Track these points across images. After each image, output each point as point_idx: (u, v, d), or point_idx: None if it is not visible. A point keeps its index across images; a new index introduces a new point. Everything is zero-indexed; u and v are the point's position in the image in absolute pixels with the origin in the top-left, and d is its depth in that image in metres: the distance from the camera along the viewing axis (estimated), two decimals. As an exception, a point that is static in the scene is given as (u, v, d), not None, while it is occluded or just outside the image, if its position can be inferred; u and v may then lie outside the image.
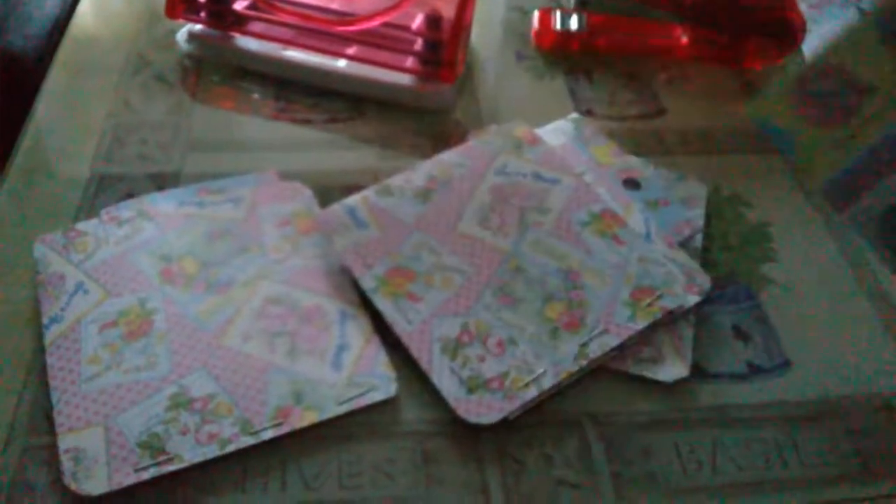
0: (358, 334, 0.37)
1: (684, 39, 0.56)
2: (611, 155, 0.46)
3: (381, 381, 0.36)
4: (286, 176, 0.44)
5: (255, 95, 0.51)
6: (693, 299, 0.38)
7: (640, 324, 0.37)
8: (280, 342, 0.36)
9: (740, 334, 0.40)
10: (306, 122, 0.50)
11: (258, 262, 0.40)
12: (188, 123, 0.49)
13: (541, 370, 0.35)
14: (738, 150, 0.50)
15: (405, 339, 0.36)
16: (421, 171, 0.43)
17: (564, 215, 0.41)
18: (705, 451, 0.35)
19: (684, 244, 0.42)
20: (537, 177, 0.43)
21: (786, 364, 0.39)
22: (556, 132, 0.47)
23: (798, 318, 0.40)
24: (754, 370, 0.38)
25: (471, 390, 0.35)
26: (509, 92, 0.53)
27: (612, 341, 0.36)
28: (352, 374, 0.36)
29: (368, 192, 0.42)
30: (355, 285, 0.39)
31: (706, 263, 0.42)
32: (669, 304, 0.37)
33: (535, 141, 0.45)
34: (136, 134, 0.48)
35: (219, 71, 0.53)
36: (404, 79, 0.50)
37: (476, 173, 0.43)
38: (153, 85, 0.51)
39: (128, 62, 0.53)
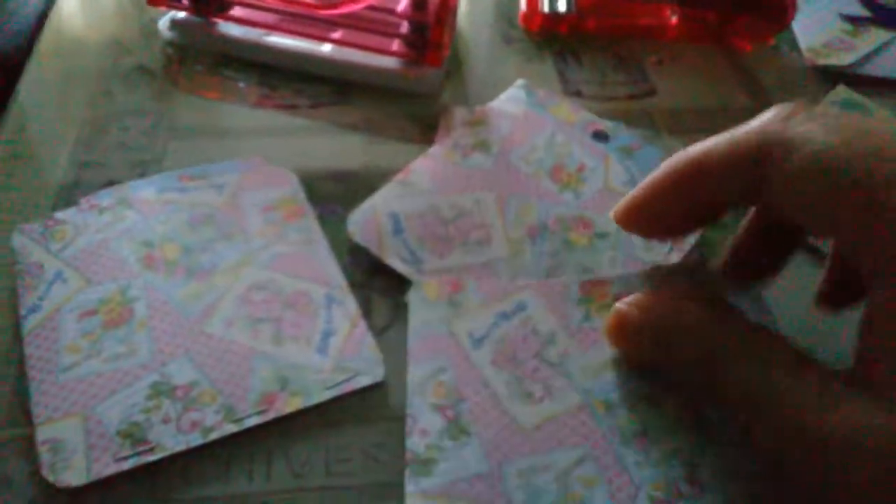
0: (344, 319, 0.36)
1: (674, 19, 0.55)
2: (571, 112, 0.46)
3: (369, 366, 0.35)
4: (271, 162, 0.43)
5: (239, 83, 0.50)
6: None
7: None
8: (264, 328, 0.36)
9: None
10: (291, 107, 0.49)
11: (242, 248, 0.39)
12: (170, 111, 0.48)
13: None
14: (731, 127, 0.49)
15: None
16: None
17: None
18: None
19: None
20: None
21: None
22: (511, 102, 0.47)
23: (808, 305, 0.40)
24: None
25: None
26: (497, 74, 0.52)
27: None
28: (338, 358, 0.35)
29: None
30: (343, 270, 0.38)
31: (701, 244, 0.41)
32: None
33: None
34: (117, 122, 0.47)
35: (202, 58, 0.52)
36: (390, 62, 0.50)
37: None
38: (135, 74, 0.50)
39: (109, 51, 0.52)
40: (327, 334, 0.36)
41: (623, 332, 0.33)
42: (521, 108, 0.46)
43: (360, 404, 0.34)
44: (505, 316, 0.36)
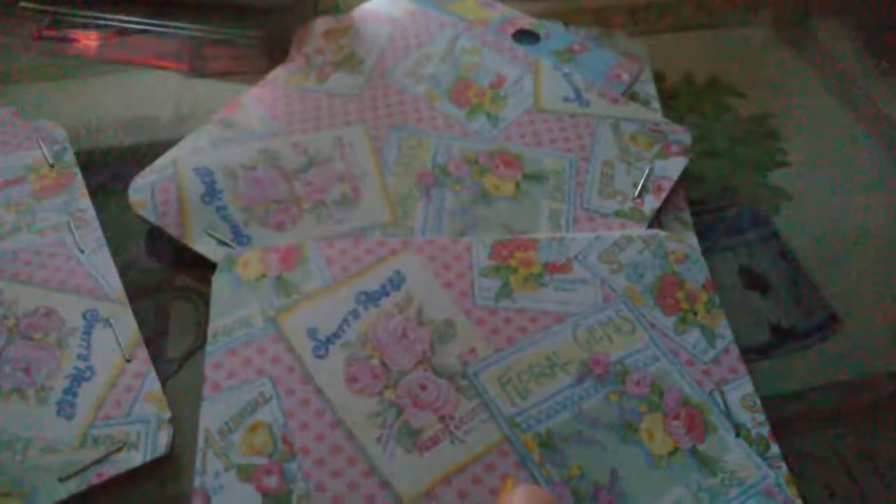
0: (111, 351, 0.21)
1: None
2: (480, 7, 0.31)
3: (144, 431, 0.20)
4: (42, 114, 0.28)
5: (18, 14, 0.35)
6: (678, 164, 0.25)
7: None
8: (-33, 379, 0.21)
9: (754, 280, 0.25)
10: (84, 40, 0.33)
11: (-46, 247, 0.24)
12: None
13: None
14: (713, 23, 0.35)
15: None
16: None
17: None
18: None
19: (630, 92, 0.29)
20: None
21: (831, 321, 0.24)
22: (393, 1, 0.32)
23: (840, 245, 0.26)
24: (783, 335, 0.23)
25: None
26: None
27: None
28: (92, 421, 0.20)
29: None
30: (129, 266, 0.23)
31: (687, 177, 0.27)
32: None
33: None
34: None
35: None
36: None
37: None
38: None
39: None
40: (78, 378, 0.21)
41: None
42: (407, 6, 0.31)
43: (128, 497, 0.19)
44: (369, 298, 0.22)
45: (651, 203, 0.25)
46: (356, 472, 0.19)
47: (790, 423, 0.22)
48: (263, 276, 0.22)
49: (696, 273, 0.23)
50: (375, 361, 0.21)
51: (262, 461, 0.19)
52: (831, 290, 0.25)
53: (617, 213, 0.25)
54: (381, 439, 0.20)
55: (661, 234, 0.24)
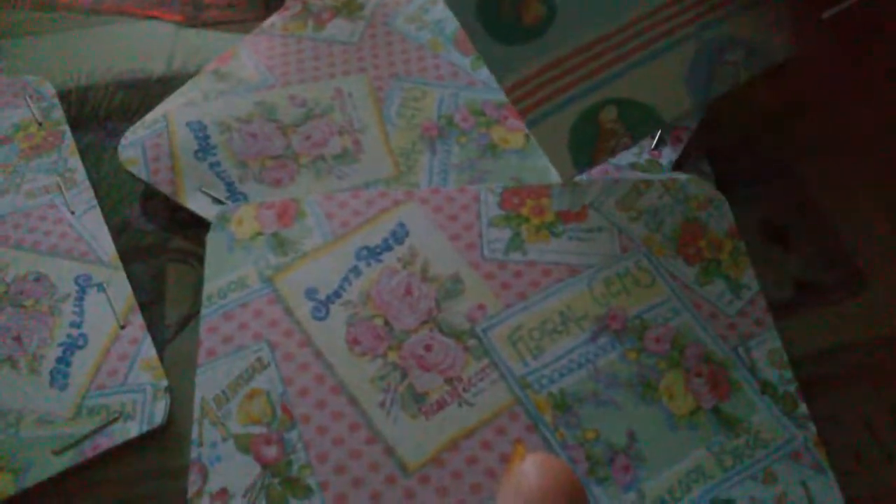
0: (106, 315, 0.21)
1: None
2: None
3: (140, 400, 0.19)
4: (28, 69, 0.27)
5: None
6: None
7: None
8: (-44, 348, 0.20)
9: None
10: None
11: (-60, 210, 0.23)
12: None
13: None
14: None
15: None
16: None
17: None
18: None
19: None
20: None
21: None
22: None
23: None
24: (807, 291, 0.22)
25: None
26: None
27: None
28: (86, 391, 0.19)
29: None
30: (122, 227, 0.23)
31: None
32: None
33: None
34: None
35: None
36: None
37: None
38: None
39: None
40: (71, 347, 0.20)
41: None
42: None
43: (126, 470, 0.19)
44: (370, 254, 0.21)
45: (669, 155, 0.24)
46: (359, 440, 0.18)
47: (813, 384, 0.21)
48: (259, 233, 0.21)
49: (720, 219, 0.22)
50: (378, 321, 0.20)
51: (260, 430, 0.18)
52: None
53: (633, 166, 0.24)
54: (384, 404, 0.19)
55: (683, 177, 0.23)
